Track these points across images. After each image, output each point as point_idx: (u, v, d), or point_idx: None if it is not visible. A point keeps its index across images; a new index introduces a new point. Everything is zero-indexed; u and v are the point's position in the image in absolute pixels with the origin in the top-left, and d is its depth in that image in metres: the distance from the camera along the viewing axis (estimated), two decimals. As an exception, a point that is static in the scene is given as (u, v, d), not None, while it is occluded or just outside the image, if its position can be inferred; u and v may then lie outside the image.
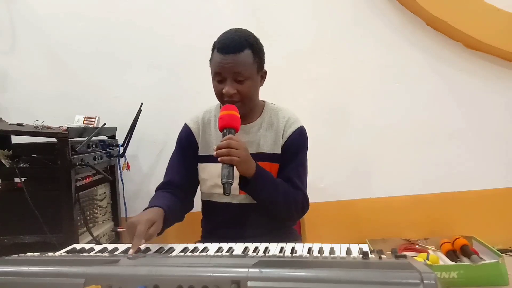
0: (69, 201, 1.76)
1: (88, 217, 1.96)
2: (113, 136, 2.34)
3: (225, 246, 1.10)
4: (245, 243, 1.10)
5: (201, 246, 1.11)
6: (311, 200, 1.42)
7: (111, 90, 2.48)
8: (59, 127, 1.86)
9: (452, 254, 2.17)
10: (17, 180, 1.86)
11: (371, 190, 2.48)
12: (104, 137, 2.26)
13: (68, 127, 1.85)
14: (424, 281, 0.67)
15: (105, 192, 2.19)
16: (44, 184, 1.81)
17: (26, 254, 1.01)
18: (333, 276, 0.73)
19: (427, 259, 2.12)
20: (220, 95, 1.34)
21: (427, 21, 2.43)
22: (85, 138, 1.93)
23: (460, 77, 2.45)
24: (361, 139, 2.47)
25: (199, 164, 1.45)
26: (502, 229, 2.41)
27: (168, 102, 2.47)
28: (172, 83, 2.48)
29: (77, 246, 1.15)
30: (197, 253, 1.06)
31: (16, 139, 1.98)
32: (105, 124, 2.16)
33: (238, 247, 1.08)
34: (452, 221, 2.42)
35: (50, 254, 1.04)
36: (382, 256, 0.86)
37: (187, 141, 1.46)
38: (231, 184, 1.21)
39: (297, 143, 1.42)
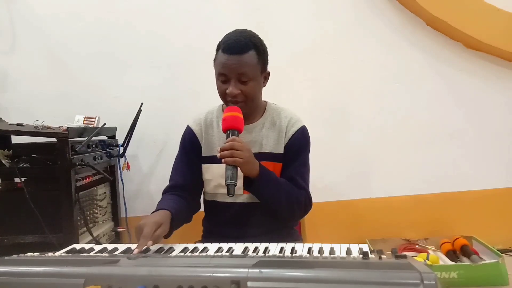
0: (69, 201, 1.75)
1: (88, 217, 1.96)
2: (113, 136, 2.34)
3: (225, 246, 1.10)
4: (245, 243, 1.10)
5: (201, 246, 1.11)
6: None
7: (111, 90, 2.48)
8: (59, 127, 1.86)
9: (452, 254, 2.17)
10: (17, 180, 1.86)
11: (371, 190, 2.48)
12: (104, 137, 2.26)
13: (68, 127, 1.85)
14: (424, 281, 0.67)
15: (105, 192, 2.19)
16: (44, 184, 1.81)
17: (26, 254, 1.01)
18: (333, 276, 0.73)
19: (427, 259, 2.12)
20: (223, 95, 1.35)
21: (427, 21, 2.43)
22: (85, 138, 1.93)
23: (460, 77, 2.45)
24: (361, 139, 2.47)
25: (202, 165, 1.46)
26: (502, 229, 2.41)
27: (168, 102, 2.47)
28: (172, 83, 2.48)
29: (77, 246, 1.15)
30: (197, 253, 1.06)
31: (16, 139, 1.98)
32: (105, 124, 2.15)
33: (238, 247, 1.08)
34: (452, 221, 2.42)
35: (50, 254, 1.04)
36: (382, 256, 0.86)
37: (190, 143, 1.47)
38: (235, 185, 1.22)
39: (299, 142, 1.43)
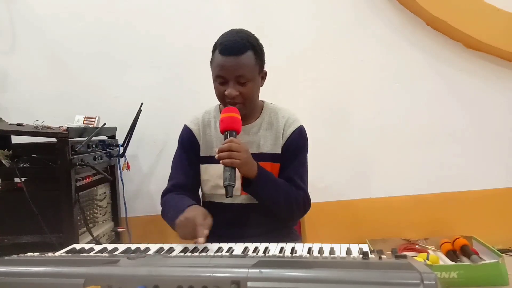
0: (69, 201, 1.75)
1: (88, 217, 1.96)
2: (113, 136, 2.34)
3: (225, 246, 1.10)
4: (245, 243, 1.10)
5: (201, 246, 1.11)
6: (311, 200, 1.43)
7: (111, 90, 2.48)
8: (59, 127, 1.86)
9: (452, 254, 2.18)
10: (17, 180, 1.86)
11: (371, 190, 2.48)
12: (104, 137, 2.26)
13: (68, 127, 1.85)
14: (424, 282, 0.67)
15: (105, 192, 2.19)
16: (44, 184, 1.81)
17: (26, 254, 1.00)
18: (333, 276, 0.73)
19: (427, 259, 2.12)
20: (222, 97, 1.34)
21: (427, 21, 2.43)
22: (85, 138, 1.93)
23: (460, 77, 2.45)
24: (361, 139, 2.47)
25: (200, 165, 1.45)
26: (502, 229, 2.41)
27: (168, 102, 2.47)
28: (172, 83, 2.48)
29: (77, 246, 1.15)
30: (197, 253, 1.06)
31: (16, 139, 1.98)
32: (105, 124, 2.16)
33: (238, 247, 1.08)
34: (452, 221, 2.42)
35: (50, 254, 1.04)
36: (382, 256, 0.86)
37: (189, 142, 1.46)
38: (233, 187, 1.21)
39: (297, 142, 1.42)
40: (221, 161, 1.23)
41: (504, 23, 2.34)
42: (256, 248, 1.06)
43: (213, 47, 1.34)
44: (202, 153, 1.44)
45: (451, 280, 1.93)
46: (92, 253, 1.07)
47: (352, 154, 2.48)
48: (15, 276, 0.83)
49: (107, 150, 2.16)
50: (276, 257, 0.97)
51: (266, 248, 1.06)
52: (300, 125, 1.44)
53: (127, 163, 2.33)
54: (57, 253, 1.07)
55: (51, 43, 2.49)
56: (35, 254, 1.02)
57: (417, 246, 2.34)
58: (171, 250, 1.09)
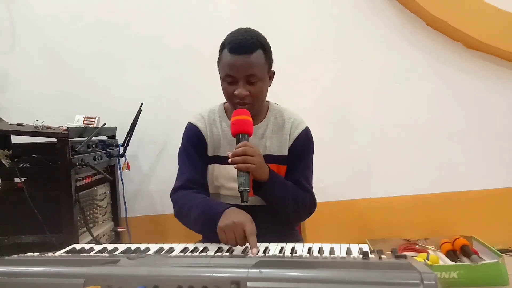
0: (69, 201, 1.75)
1: (88, 217, 1.96)
2: (113, 136, 2.34)
3: (225, 246, 1.10)
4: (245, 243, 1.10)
5: (201, 246, 1.11)
6: (312, 200, 1.43)
7: (111, 90, 2.48)
8: (59, 127, 1.86)
9: (452, 254, 2.17)
10: (17, 180, 1.86)
11: (371, 190, 2.48)
12: (104, 137, 2.26)
13: (68, 127, 1.85)
14: (424, 282, 0.67)
15: (105, 192, 2.19)
16: (44, 184, 1.81)
17: (26, 254, 1.00)
18: (333, 276, 0.73)
19: (427, 259, 2.12)
20: (230, 97, 1.31)
21: (427, 21, 2.43)
22: (85, 138, 1.93)
23: (460, 77, 2.45)
24: (361, 139, 2.47)
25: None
26: (502, 229, 2.41)
27: (168, 102, 2.47)
28: (172, 83, 2.48)
29: (77, 246, 1.15)
30: (197, 253, 1.06)
31: (16, 139, 1.98)
32: (105, 124, 2.15)
33: (238, 247, 1.08)
34: (452, 221, 2.42)
35: (50, 254, 1.04)
36: (382, 256, 0.86)
37: (197, 139, 1.41)
38: (248, 191, 1.20)
39: (303, 145, 1.42)
40: (235, 166, 1.20)
41: (504, 23, 2.34)
42: (256, 248, 1.06)
43: (221, 46, 1.32)
44: (210, 153, 1.42)
45: (451, 280, 1.93)
46: (92, 253, 1.07)
47: (352, 154, 2.48)
48: (15, 276, 0.83)
49: (107, 150, 2.16)
50: (276, 257, 0.97)
51: (266, 248, 1.06)
52: (306, 127, 1.43)
53: (127, 163, 2.33)
54: (57, 253, 1.07)
55: (51, 43, 2.49)
56: (35, 254, 1.02)
57: (417, 246, 2.34)
58: (171, 250, 1.09)
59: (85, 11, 2.47)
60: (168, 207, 2.37)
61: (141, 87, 2.46)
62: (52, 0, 2.48)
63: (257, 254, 0.99)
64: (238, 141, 1.25)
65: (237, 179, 1.21)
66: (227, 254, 1.04)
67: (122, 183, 2.33)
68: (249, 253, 1.03)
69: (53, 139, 1.77)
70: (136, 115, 2.23)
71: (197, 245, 1.12)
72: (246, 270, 0.75)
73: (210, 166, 1.43)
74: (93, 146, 2.02)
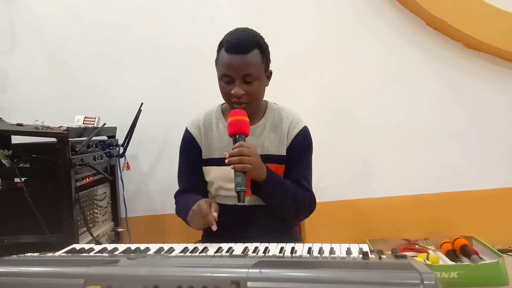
0: (69, 201, 1.75)
1: (88, 217, 1.96)
2: (113, 136, 2.34)
3: (225, 246, 1.10)
4: (245, 243, 1.10)
5: (201, 246, 1.11)
6: (314, 200, 1.43)
7: (111, 90, 2.48)
8: (59, 127, 1.86)
9: (452, 254, 2.18)
10: (17, 180, 1.86)
11: (371, 190, 2.48)
12: (104, 137, 2.25)
13: (68, 127, 1.85)
14: (424, 282, 0.67)
15: (105, 192, 2.19)
16: (44, 184, 1.81)
17: (25, 254, 1.00)
18: (333, 276, 0.73)
19: (427, 259, 2.12)
20: (227, 96, 1.32)
21: (427, 21, 2.43)
22: (85, 138, 1.93)
23: (460, 77, 2.45)
24: (361, 139, 2.47)
25: (203, 168, 1.45)
26: (502, 229, 2.41)
27: (168, 102, 2.46)
28: (172, 83, 2.48)
29: (77, 246, 1.15)
30: (197, 253, 1.06)
31: (16, 139, 1.98)
32: (105, 124, 2.15)
33: (238, 247, 1.08)
34: (452, 221, 2.42)
35: (49, 254, 1.04)
36: (382, 256, 0.86)
37: (190, 147, 1.45)
38: (245, 192, 1.21)
39: (302, 144, 1.42)
40: (232, 166, 1.22)
41: (504, 23, 2.34)
42: (256, 248, 1.06)
43: (218, 46, 1.33)
44: (204, 156, 1.44)
45: (451, 280, 1.93)
46: (92, 253, 1.07)
47: (352, 154, 2.48)
48: (15, 276, 0.83)
49: (107, 150, 2.16)
50: (276, 257, 0.97)
51: (266, 248, 1.06)
52: (305, 126, 1.44)
53: (127, 163, 2.33)
54: (57, 253, 1.07)
55: (51, 43, 2.49)
56: (35, 254, 1.02)
57: (417, 246, 2.34)
58: (171, 250, 1.09)
59: (85, 11, 2.47)
60: (168, 207, 2.38)
61: (141, 87, 2.46)
62: (52, 0, 2.47)
63: (215, 229, 1.17)
64: (235, 142, 1.26)
65: (234, 179, 1.22)
66: (227, 254, 1.04)
67: (122, 183, 2.33)
68: (248, 253, 1.03)
69: (53, 139, 1.77)
70: (136, 115, 2.23)
71: (197, 245, 1.12)
72: (246, 270, 0.75)
73: (206, 169, 1.44)
74: (93, 146, 2.02)
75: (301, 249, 1.03)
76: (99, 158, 2.02)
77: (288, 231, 1.51)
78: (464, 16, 2.33)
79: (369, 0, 2.44)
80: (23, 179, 1.74)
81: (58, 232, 1.74)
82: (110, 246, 1.13)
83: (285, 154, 1.41)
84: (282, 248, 1.05)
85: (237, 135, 1.26)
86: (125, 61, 2.48)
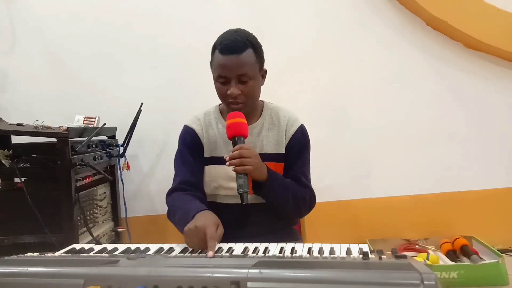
0: (69, 201, 1.75)
1: (88, 217, 1.96)
2: (113, 136, 2.34)
3: (225, 246, 1.10)
4: (245, 243, 1.10)
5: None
6: (313, 199, 1.43)
7: (111, 90, 2.48)
8: (59, 127, 1.86)
9: (452, 254, 2.17)
10: (17, 180, 1.86)
11: (371, 190, 2.48)
12: (104, 137, 2.26)
13: (68, 127, 1.85)
14: (425, 282, 0.67)
15: (105, 192, 2.19)
16: (44, 184, 1.81)
17: (25, 255, 1.00)
18: (333, 276, 0.73)
19: (427, 259, 2.12)
20: (224, 97, 1.33)
21: (427, 21, 2.43)
22: (85, 138, 1.93)
23: (460, 77, 2.45)
24: (361, 139, 2.47)
25: (205, 166, 1.44)
26: (502, 229, 2.41)
27: (168, 102, 2.47)
28: (172, 83, 2.48)
29: (77, 246, 1.15)
30: (197, 253, 1.06)
31: (16, 139, 1.98)
32: (105, 124, 2.15)
33: (237, 247, 1.08)
34: (452, 221, 2.42)
35: (49, 254, 1.04)
36: (382, 256, 0.86)
37: (192, 142, 1.44)
38: (248, 193, 1.22)
39: (300, 142, 1.43)
40: (233, 169, 1.23)
41: (504, 23, 2.34)
42: (256, 248, 1.06)
43: (212, 47, 1.34)
44: (206, 154, 1.44)
45: (451, 280, 1.93)
46: (92, 253, 1.07)
47: (352, 154, 2.48)
48: (15, 276, 0.82)
49: (107, 150, 2.16)
50: (276, 257, 0.97)
51: (266, 248, 1.06)
52: (301, 124, 1.45)
53: (127, 163, 2.33)
54: (57, 253, 1.07)
55: (51, 43, 2.49)
56: (35, 254, 1.02)
57: (417, 246, 2.34)
58: (171, 250, 1.09)
59: (85, 11, 2.47)
60: (168, 207, 2.38)
61: (141, 87, 2.46)
62: (52, 0, 2.48)
63: (212, 256, 0.97)
64: (234, 144, 1.27)
65: (236, 180, 1.24)
66: (227, 254, 1.04)
67: (122, 183, 2.34)
68: (248, 253, 1.03)
69: (53, 139, 1.77)
70: (136, 115, 2.23)
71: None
72: (246, 270, 0.75)
73: (207, 168, 1.43)
74: (93, 146, 2.02)
75: (301, 249, 1.03)
76: (99, 158, 2.03)
77: (288, 229, 1.52)
78: (464, 16, 2.33)
79: (369, 0, 2.44)
80: (23, 179, 1.74)
81: (58, 232, 1.74)
82: (110, 246, 1.13)
83: (283, 152, 1.42)
84: (282, 248, 1.05)
85: (236, 138, 1.27)
86: (125, 61, 2.48)
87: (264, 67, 1.39)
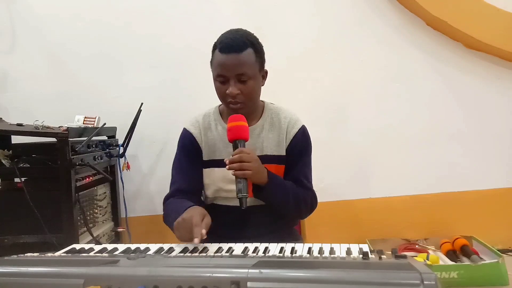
0: (69, 201, 1.75)
1: (88, 217, 1.96)
2: (113, 136, 2.34)
3: (225, 246, 1.10)
4: (245, 243, 1.10)
5: (200, 246, 1.11)
6: (314, 199, 1.43)
7: (111, 90, 2.48)
8: (59, 127, 1.86)
9: (452, 254, 2.17)
10: (17, 180, 1.86)
11: (371, 190, 2.48)
12: (104, 137, 2.26)
13: (68, 127, 1.85)
14: (424, 282, 0.67)
15: (105, 192, 2.19)
16: (44, 184, 1.81)
17: (25, 255, 1.00)
18: (333, 276, 0.73)
19: (427, 259, 2.12)
20: (223, 96, 1.32)
21: (427, 21, 2.43)
22: (85, 138, 1.93)
23: (460, 77, 2.45)
24: (361, 139, 2.47)
25: (204, 169, 1.44)
26: (502, 229, 2.41)
27: (168, 102, 2.47)
28: (172, 83, 2.48)
29: (77, 246, 1.15)
30: (197, 254, 1.06)
31: (16, 139, 1.99)
32: (105, 124, 2.16)
33: (238, 247, 1.08)
34: (452, 221, 2.42)
35: (49, 254, 1.04)
36: (382, 256, 0.86)
37: (190, 146, 1.43)
38: (247, 197, 1.22)
39: (301, 143, 1.42)
40: (232, 173, 1.23)
41: (504, 23, 2.34)
42: (256, 248, 1.06)
43: (213, 47, 1.33)
44: (205, 157, 1.43)
45: (451, 280, 1.93)
46: (92, 253, 1.07)
47: (352, 154, 2.48)
48: (15, 276, 0.83)
49: (107, 150, 2.16)
50: (276, 257, 0.97)
51: (266, 248, 1.06)
52: (303, 125, 1.44)
53: (127, 163, 2.33)
54: (57, 253, 1.07)
55: (51, 43, 2.50)
56: (35, 254, 1.02)
57: (417, 246, 2.34)
58: (171, 250, 1.09)
59: (85, 12, 2.47)
60: (168, 207, 2.38)
61: (141, 87, 2.46)
62: (52, 0, 2.48)
63: (198, 243, 1.05)
64: (235, 147, 1.27)
65: (235, 184, 1.23)
66: (227, 254, 1.04)
67: (122, 183, 2.34)
68: (248, 253, 1.03)
69: (53, 139, 1.77)
70: (136, 115, 2.23)
71: (197, 245, 1.12)
72: (246, 270, 0.75)
73: (206, 170, 1.43)
74: (93, 146, 2.02)
75: (301, 249, 1.03)
76: (99, 158, 2.03)
77: (288, 230, 1.51)
78: (464, 16, 2.33)
79: (369, 0, 2.44)
80: (23, 179, 1.74)
81: (58, 232, 1.75)
82: (110, 246, 1.13)
83: (284, 154, 1.41)
84: (282, 248, 1.05)
85: (237, 141, 1.27)
86: (125, 61, 2.48)
87: (265, 68, 1.39)
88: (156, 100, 2.44)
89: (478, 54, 2.44)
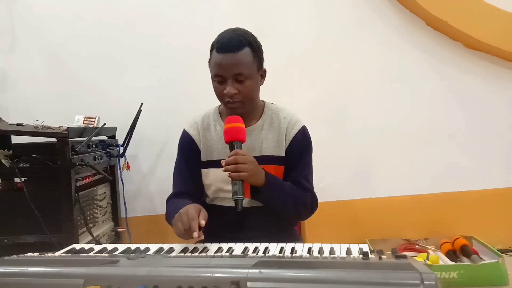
0: (69, 201, 1.75)
1: (88, 217, 1.96)
2: (113, 136, 2.34)
3: (225, 246, 1.10)
4: (245, 243, 1.10)
5: (200, 246, 1.11)
6: (315, 199, 1.43)
7: (111, 90, 2.48)
8: (59, 127, 1.86)
9: (452, 254, 2.17)
10: (17, 180, 1.86)
11: (371, 190, 2.48)
12: (104, 137, 2.26)
13: (68, 127, 1.85)
14: (425, 282, 0.67)
15: (105, 192, 2.19)
16: (44, 184, 1.81)
17: (25, 255, 1.00)
18: (333, 276, 0.73)
19: (427, 259, 2.12)
20: (221, 96, 1.32)
21: (427, 21, 2.43)
22: (85, 138, 1.93)
23: (460, 77, 2.45)
24: (361, 139, 2.47)
25: (202, 170, 1.44)
26: (502, 229, 2.41)
27: (168, 102, 2.47)
28: (172, 83, 2.48)
29: (77, 246, 1.15)
30: (197, 254, 1.06)
31: (16, 139, 1.98)
32: (105, 124, 2.16)
33: (238, 248, 1.08)
34: (452, 221, 2.42)
35: (49, 254, 1.04)
36: (382, 256, 0.86)
37: (189, 148, 1.44)
38: (242, 200, 1.22)
39: (301, 144, 1.41)
40: (228, 175, 1.23)
41: (504, 23, 2.34)
42: (256, 248, 1.06)
43: (211, 47, 1.33)
44: (203, 158, 1.43)
45: (451, 280, 1.93)
46: (92, 253, 1.07)
47: (352, 154, 2.48)
48: (15, 276, 0.83)
49: (107, 150, 2.16)
50: (276, 257, 0.97)
51: (266, 248, 1.06)
52: (303, 126, 1.43)
53: (127, 163, 2.33)
54: (57, 253, 1.07)
55: (51, 44, 2.50)
56: (35, 254, 1.02)
57: (417, 246, 2.33)
58: (171, 250, 1.09)
59: (85, 12, 2.47)
60: (168, 207, 2.38)
61: (141, 87, 2.46)
62: (52, 0, 2.48)
63: (198, 237, 1.09)
64: (231, 149, 1.27)
65: (231, 187, 1.23)
66: (227, 254, 1.04)
67: (122, 183, 2.34)
68: (248, 253, 1.03)
69: (53, 139, 1.77)
70: (136, 115, 2.23)
71: (197, 245, 1.12)
72: (246, 270, 0.75)
73: (205, 171, 1.43)
74: (93, 146, 2.02)
75: (301, 249, 1.03)
76: (99, 158, 2.03)
77: (288, 231, 1.51)
78: (464, 16, 2.33)
79: (369, 0, 2.44)
80: (23, 179, 1.74)
81: (58, 232, 1.75)
82: (110, 246, 1.13)
83: (284, 155, 1.40)
84: (282, 248, 1.05)
85: (233, 143, 1.27)
86: (125, 61, 2.48)
87: (263, 67, 1.38)
88: (156, 100, 2.43)
89: (478, 54, 2.44)
